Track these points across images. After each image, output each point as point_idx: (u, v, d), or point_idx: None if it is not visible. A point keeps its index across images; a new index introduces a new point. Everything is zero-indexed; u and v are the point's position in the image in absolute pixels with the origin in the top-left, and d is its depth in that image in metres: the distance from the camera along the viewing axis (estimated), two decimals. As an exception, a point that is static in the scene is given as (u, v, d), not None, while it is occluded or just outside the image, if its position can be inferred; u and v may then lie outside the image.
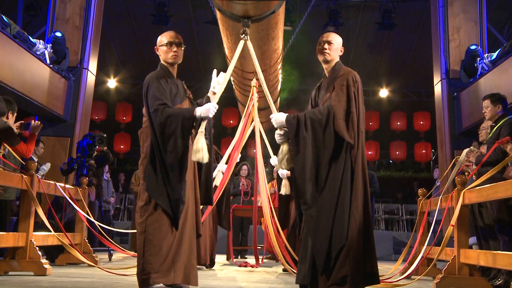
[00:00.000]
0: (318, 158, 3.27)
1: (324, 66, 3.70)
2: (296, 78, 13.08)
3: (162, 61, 3.67)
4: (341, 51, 3.75)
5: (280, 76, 8.77)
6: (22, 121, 5.34)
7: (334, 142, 3.28)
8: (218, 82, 3.78)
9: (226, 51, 7.03)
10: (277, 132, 3.43)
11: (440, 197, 5.29)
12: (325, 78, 3.68)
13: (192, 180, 3.51)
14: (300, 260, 3.33)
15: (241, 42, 4.62)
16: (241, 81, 7.48)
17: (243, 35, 4.69)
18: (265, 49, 6.37)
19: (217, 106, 3.48)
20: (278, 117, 3.42)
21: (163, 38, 3.67)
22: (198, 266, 3.89)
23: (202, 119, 3.34)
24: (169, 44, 3.62)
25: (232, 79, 8.02)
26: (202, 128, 3.33)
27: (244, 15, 5.02)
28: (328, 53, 3.64)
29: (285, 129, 3.39)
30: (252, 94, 6.40)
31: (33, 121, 5.20)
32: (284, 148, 3.38)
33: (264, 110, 8.17)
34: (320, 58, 3.67)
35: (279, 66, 7.86)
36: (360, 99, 3.46)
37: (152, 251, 3.23)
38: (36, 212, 4.80)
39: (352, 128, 3.30)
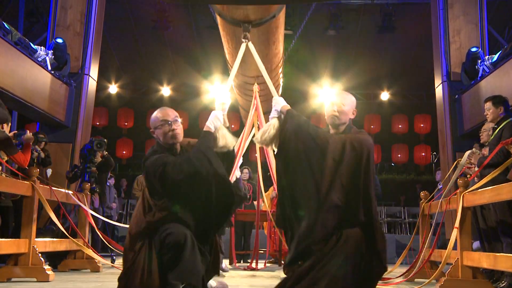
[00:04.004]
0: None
1: (331, 130, 3.36)
2: (296, 81, 13.08)
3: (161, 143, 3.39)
4: (354, 113, 3.35)
5: (281, 81, 8.72)
6: (16, 131, 5.38)
7: None
8: (224, 104, 3.49)
9: (227, 56, 7.05)
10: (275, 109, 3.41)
11: (441, 199, 5.29)
12: None
13: None
14: None
15: (243, 46, 4.67)
16: (243, 86, 7.49)
17: (244, 39, 4.79)
18: (266, 53, 6.36)
19: (221, 112, 3.40)
20: (279, 100, 3.44)
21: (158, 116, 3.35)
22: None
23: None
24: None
25: (233, 84, 7.92)
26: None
27: (244, 19, 5.01)
28: (337, 117, 3.28)
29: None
30: (255, 98, 6.59)
31: (28, 131, 5.24)
32: (275, 124, 3.34)
33: (267, 113, 8.23)
34: (328, 120, 3.33)
35: (280, 70, 7.90)
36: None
37: None
38: (37, 218, 4.81)
39: None
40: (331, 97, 3.36)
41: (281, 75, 8.27)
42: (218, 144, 3.29)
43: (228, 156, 3.39)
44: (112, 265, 6.42)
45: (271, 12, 5.31)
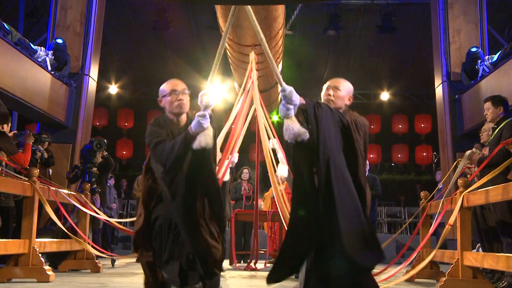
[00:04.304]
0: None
1: None
2: (296, 81, 13.09)
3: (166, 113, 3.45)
4: (350, 99, 3.32)
5: (281, 55, 7.80)
6: (16, 131, 5.38)
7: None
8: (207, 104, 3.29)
9: (219, 21, 6.19)
10: (286, 105, 3.01)
11: (442, 199, 5.28)
12: None
13: None
14: None
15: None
16: (238, 58, 6.63)
17: None
18: (264, 15, 5.52)
19: (205, 113, 3.23)
20: (294, 92, 3.01)
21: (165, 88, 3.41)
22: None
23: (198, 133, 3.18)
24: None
25: (229, 56, 7.08)
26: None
27: None
28: (332, 101, 3.26)
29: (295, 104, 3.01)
30: (251, 70, 5.54)
31: (28, 131, 5.24)
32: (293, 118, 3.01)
33: (264, 92, 7.25)
34: None
35: (281, 41, 7.00)
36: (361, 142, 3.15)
37: None
38: (38, 219, 4.81)
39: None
40: (328, 82, 3.34)
41: (281, 48, 7.38)
42: (197, 143, 3.16)
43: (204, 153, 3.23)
44: (113, 256, 6.40)
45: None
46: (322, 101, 3.28)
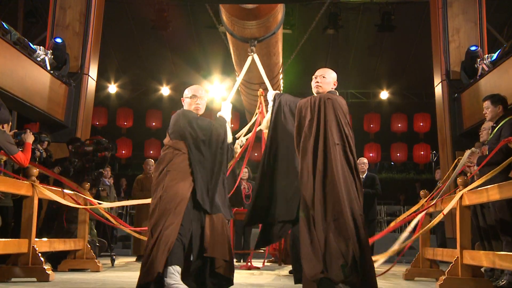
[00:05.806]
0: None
1: None
2: (295, 80, 13.08)
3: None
4: (334, 84, 4.07)
5: (281, 87, 9.66)
6: (16, 130, 5.36)
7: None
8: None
9: (235, 67, 8.10)
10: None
11: (442, 198, 5.28)
12: None
13: None
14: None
15: (249, 59, 5.82)
16: (249, 92, 8.77)
17: (251, 52, 5.95)
18: (268, 63, 7.45)
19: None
20: (269, 93, 4.38)
21: (187, 92, 4.06)
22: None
23: None
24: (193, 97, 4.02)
25: (240, 90, 9.21)
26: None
27: (251, 37, 6.23)
28: (320, 86, 4.01)
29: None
30: (260, 103, 6.91)
31: (28, 131, 5.23)
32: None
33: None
34: (314, 91, 4.06)
35: (281, 76, 9.07)
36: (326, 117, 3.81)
37: None
38: (37, 218, 4.81)
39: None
40: (315, 73, 4.09)
41: (281, 81, 9.45)
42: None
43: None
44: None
45: (271, 30, 6.54)
46: (312, 88, 4.07)
